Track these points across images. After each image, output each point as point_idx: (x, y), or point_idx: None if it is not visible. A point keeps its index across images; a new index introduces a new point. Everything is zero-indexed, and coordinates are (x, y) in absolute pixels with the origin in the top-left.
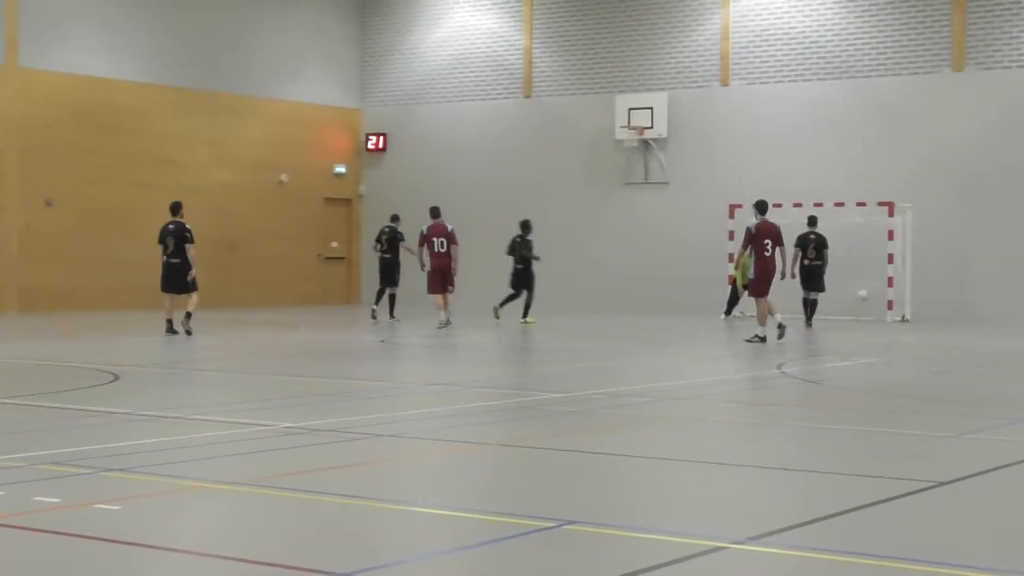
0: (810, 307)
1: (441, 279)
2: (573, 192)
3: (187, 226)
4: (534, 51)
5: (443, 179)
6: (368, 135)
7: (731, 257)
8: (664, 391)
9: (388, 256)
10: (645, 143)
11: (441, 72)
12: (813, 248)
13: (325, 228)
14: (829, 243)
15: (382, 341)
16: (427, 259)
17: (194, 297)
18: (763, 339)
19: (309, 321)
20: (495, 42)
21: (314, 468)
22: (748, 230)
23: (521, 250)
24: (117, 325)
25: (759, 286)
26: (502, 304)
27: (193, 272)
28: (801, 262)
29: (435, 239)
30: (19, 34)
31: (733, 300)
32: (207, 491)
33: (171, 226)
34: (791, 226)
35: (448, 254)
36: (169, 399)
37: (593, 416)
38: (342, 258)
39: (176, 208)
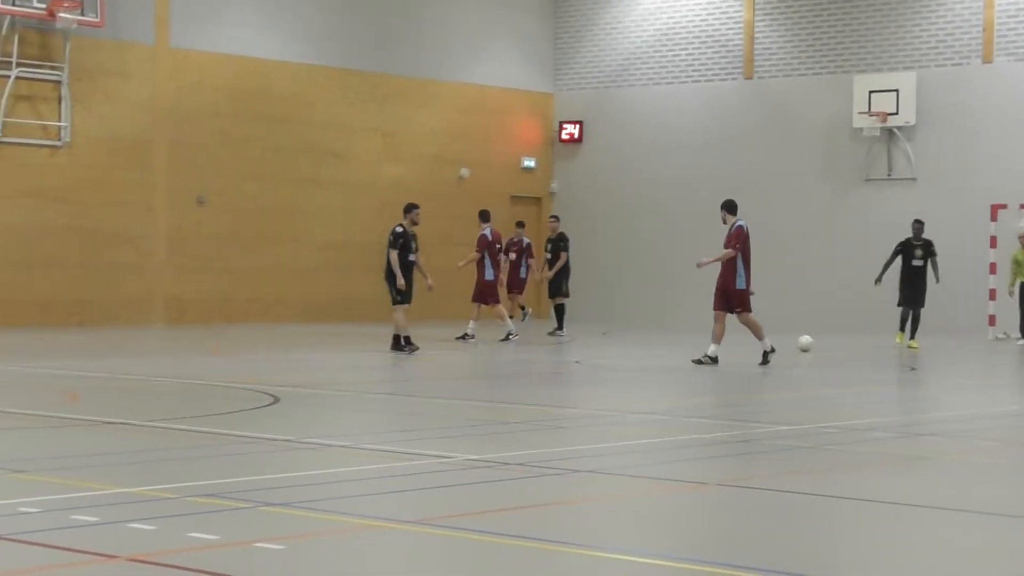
0: (913, 323)
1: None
2: (802, 190)
3: (397, 229)
4: (756, 25)
5: (647, 174)
6: (562, 123)
7: (993, 268)
8: (911, 425)
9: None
10: (889, 132)
11: (646, 50)
12: (922, 256)
13: (511, 230)
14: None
15: (604, 333)
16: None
17: (399, 312)
18: (714, 359)
19: (491, 337)
20: (710, 15)
21: (501, 507)
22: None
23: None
24: (275, 340)
25: (746, 298)
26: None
27: (400, 281)
28: (908, 272)
29: (499, 246)
30: (170, 11)
31: None
32: (379, 530)
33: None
34: None
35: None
36: (335, 425)
37: (826, 453)
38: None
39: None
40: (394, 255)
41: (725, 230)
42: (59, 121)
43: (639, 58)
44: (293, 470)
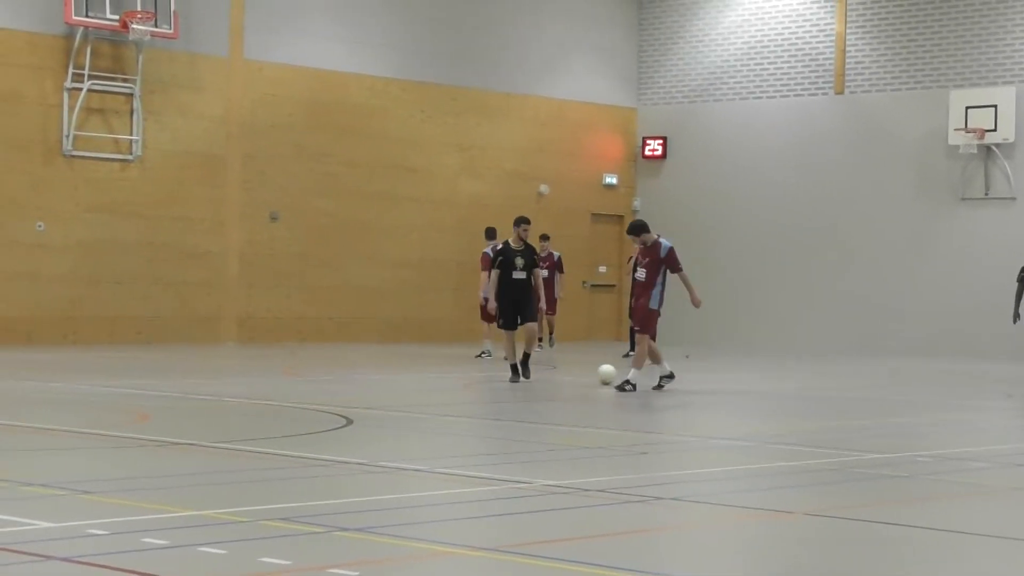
0: None
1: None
2: (895, 208)
3: (497, 246)
4: (848, 38)
5: (734, 191)
6: (645, 139)
7: None
8: (1008, 455)
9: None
10: (986, 149)
11: (734, 64)
12: None
13: (592, 250)
14: None
15: (687, 356)
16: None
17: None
18: (634, 387)
19: (571, 360)
20: (800, 27)
21: (581, 535)
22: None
23: None
24: (348, 360)
25: (653, 321)
26: None
27: (490, 304)
28: None
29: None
30: (244, 22)
31: None
32: (454, 557)
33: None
34: None
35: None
36: (409, 448)
37: (920, 483)
38: (612, 286)
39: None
40: (490, 275)
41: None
42: (131, 135)
43: (726, 72)
44: (367, 494)
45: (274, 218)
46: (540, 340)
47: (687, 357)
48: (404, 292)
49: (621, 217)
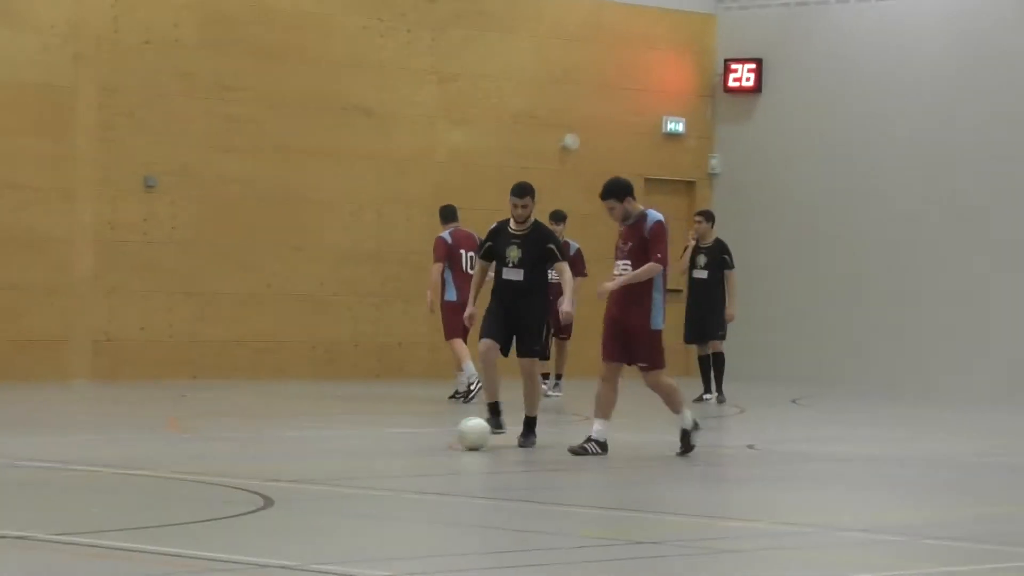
0: None
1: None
2: None
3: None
4: None
5: (867, 139)
6: (728, 62)
7: None
8: None
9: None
10: None
11: None
12: None
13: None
14: None
15: (794, 400)
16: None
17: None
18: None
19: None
20: None
21: None
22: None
23: None
24: (263, 407)
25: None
26: None
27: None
28: None
29: (464, 252)
30: None
31: None
32: None
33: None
34: None
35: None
36: (362, 543)
37: None
38: (676, 291)
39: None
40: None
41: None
42: None
43: None
44: None
45: (150, 185)
46: (546, 380)
47: (794, 402)
48: (353, 301)
49: (691, 184)
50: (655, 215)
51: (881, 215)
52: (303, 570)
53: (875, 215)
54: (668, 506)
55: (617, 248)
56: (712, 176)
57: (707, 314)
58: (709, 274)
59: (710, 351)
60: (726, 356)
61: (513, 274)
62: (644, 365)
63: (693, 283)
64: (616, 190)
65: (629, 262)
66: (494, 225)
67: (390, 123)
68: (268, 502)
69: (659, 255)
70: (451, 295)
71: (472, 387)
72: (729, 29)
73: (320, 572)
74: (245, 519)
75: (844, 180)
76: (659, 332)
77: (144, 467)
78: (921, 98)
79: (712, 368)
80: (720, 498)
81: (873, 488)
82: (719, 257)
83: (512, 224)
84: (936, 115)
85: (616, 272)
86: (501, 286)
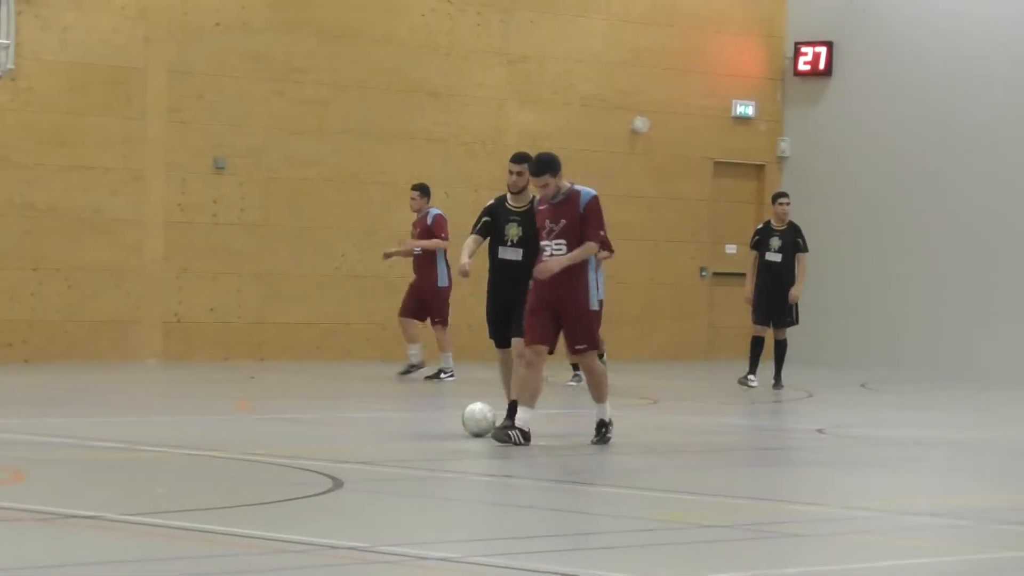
0: None
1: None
2: None
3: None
4: None
5: (944, 125)
6: (799, 45)
7: None
8: None
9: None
10: None
11: None
12: None
13: (715, 219)
14: None
15: (863, 385)
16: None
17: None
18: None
19: (680, 389)
20: None
21: None
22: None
23: None
24: (332, 388)
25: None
26: None
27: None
28: None
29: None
30: None
31: None
32: None
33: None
34: None
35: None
36: (429, 524)
37: None
38: (740, 275)
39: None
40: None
41: None
42: None
43: None
44: None
45: (220, 167)
46: (577, 373)
47: (863, 386)
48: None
49: (760, 167)
50: (589, 191)
51: (950, 200)
52: (373, 551)
53: (944, 200)
54: (737, 490)
55: (544, 227)
56: (781, 160)
57: (779, 298)
58: (783, 258)
59: (776, 337)
60: (789, 342)
61: (511, 253)
62: (583, 347)
63: (765, 266)
64: (552, 165)
65: (564, 241)
66: (491, 201)
67: (458, 105)
68: (337, 483)
69: (598, 233)
70: (444, 280)
71: (414, 364)
72: (799, 11)
73: (389, 554)
74: (314, 500)
75: (913, 165)
76: (597, 313)
77: (214, 448)
78: (994, 86)
79: (774, 355)
80: (789, 482)
81: (944, 473)
82: (794, 240)
83: (510, 199)
84: (1009, 104)
85: (547, 254)
86: (498, 266)
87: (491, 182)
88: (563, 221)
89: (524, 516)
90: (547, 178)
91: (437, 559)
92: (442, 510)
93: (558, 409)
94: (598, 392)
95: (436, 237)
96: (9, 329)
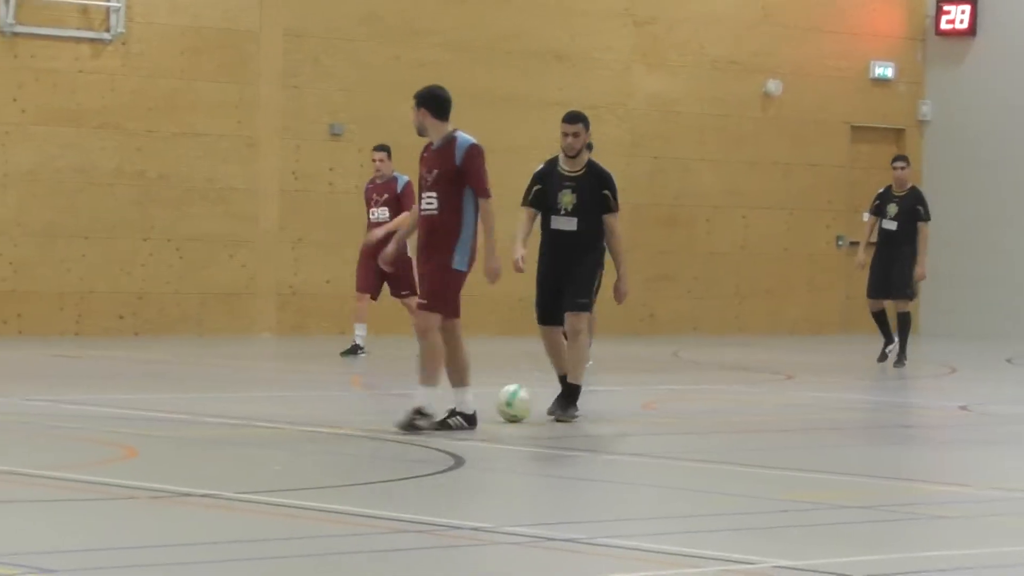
0: None
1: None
2: None
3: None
4: None
5: None
6: (940, 3)
7: None
8: None
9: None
10: None
11: None
12: None
13: (852, 185)
14: None
15: (1009, 360)
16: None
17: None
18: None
19: (816, 364)
20: None
21: None
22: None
23: None
24: None
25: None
26: None
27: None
28: None
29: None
30: None
31: None
32: None
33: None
34: None
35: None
36: (554, 505)
37: None
38: (855, 243)
39: None
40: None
41: None
42: (107, 0)
43: None
44: None
45: (335, 133)
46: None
47: (1008, 361)
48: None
49: (900, 132)
50: (467, 138)
51: None
52: (495, 532)
53: None
54: (875, 469)
55: (421, 178)
56: (922, 123)
57: (895, 269)
58: (899, 225)
59: (896, 309)
60: (925, 316)
61: (565, 223)
62: (423, 302)
63: (881, 234)
64: (427, 101)
65: (434, 194)
66: (541, 166)
67: (583, 68)
68: (459, 461)
69: (485, 187)
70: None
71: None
72: None
73: (513, 535)
74: (435, 479)
75: None
76: (459, 274)
77: (330, 424)
78: None
79: (897, 329)
80: (930, 461)
81: None
82: (913, 207)
83: (563, 163)
84: None
85: (420, 208)
86: (551, 237)
87: (618, 147)
88: (436, 171)
89: (653, 495)
90: (579, 127)
91: (562, 540)
92: (566, 490)
93: (684, 386)
94: (424, 372)
95: (405, 209)
96: (119, 302)
